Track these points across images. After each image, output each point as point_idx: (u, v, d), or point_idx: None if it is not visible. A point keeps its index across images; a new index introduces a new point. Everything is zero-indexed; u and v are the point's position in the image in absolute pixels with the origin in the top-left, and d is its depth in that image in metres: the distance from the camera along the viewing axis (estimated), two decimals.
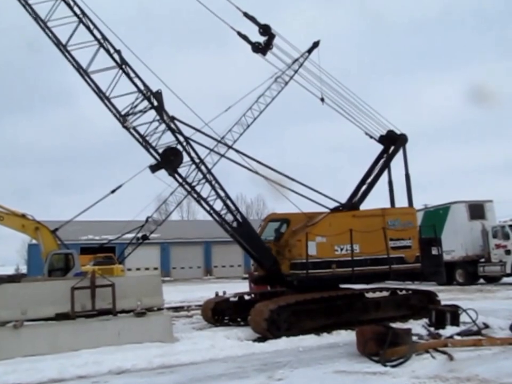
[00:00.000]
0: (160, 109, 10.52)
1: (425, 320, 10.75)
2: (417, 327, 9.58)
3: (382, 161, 12.87)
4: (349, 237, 10.65)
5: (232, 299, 13.26)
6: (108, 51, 10.55)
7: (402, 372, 6.76)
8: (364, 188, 12.61)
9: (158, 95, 10.65)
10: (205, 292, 26.20)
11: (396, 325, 9.28)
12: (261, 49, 12.47)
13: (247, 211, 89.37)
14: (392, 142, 12.85)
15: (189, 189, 10.96)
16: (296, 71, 33.63)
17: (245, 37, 12.41)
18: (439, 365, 7.02)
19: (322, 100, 20.21)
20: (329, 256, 10.60)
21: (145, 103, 10.64)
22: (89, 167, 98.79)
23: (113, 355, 8.34)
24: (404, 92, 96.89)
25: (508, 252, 21.15)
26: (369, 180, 12.67)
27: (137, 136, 10.66)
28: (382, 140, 13.02)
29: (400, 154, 12.74)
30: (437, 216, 23.28)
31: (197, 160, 10.89)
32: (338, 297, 10.80)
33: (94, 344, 8.85)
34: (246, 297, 13.56)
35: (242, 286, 26.94)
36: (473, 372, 6.46)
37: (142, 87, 10.64)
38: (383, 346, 7.40)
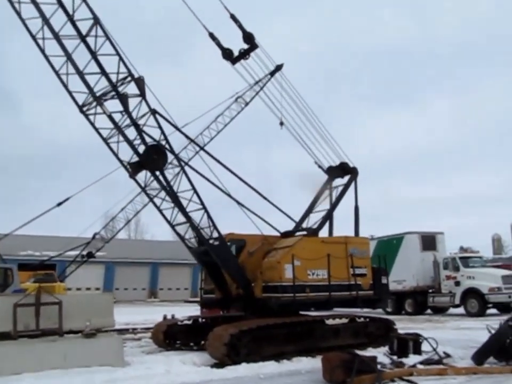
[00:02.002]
0: (126, 100, 9.46)
1: (385, 349, 10.72)
2: (379, 355, 9.41)
3: (327, 191, 13.12)
4: (320, 262, 10.69)
5: (185, 322, 12.71)
6: (68, 14, 9.09)
7: None
8: (320, 216, 12.71)
9: (140, 82, 9.64)
10: (150, 314, 25.22)
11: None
12: (231, 57, 12.06)
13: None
14: (341, 174, 13.11)
15: (153, 195, 10.06)
16: (257, 93, 33.81)
17: (216, 40, 11.96)
18: None
19: (281, 124, 20.34)
20: (303, 280, 10.48)
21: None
22: (38, 178, 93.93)
23: (59, 379, 7.65)
24: (364, 121, 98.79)
25: (457, 283, 21.66)
26: (317, 208, 12.97)
27: (103, 127, 9.48)
28: (329, 170, 13.23)
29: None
30: (390, 246, 23.64)
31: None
32: (300, 323, 10.57)
33: (38, 368, 8.05)
34: (200, 320, 13.04)
35: (190, 310, 26.27)
36: None
37: (118, 70, 9.50)
38: (350, 374, 7.18)
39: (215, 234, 10.39)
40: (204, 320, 13.17)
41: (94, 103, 9.36)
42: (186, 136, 12.03)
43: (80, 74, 9.24)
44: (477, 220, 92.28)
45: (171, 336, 12.10)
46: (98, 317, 10.07)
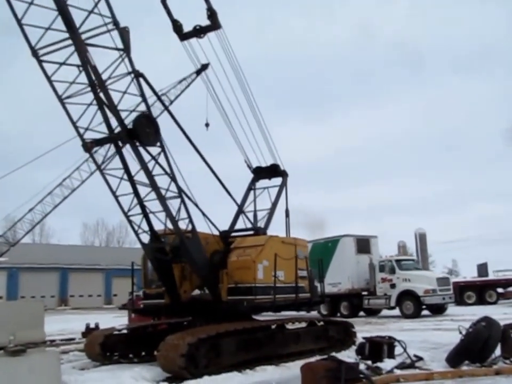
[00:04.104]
0: (90, 65, 7.55)
1: (346, 353, 10.29)
2: (351, 360, 8.75)
3: (251, 191, 12.58)
4: (281, 263, 10.00)
5: (123, 332, 11.25)
6: None
7: None
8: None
9: (126, 33, 7.92)
10: (65, 323, 22.98)
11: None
12: (180, 31, 10.90)
13: (108, 238, 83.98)
14: (268, 175, 12.55)
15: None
16: (182, 91, 32.15)
17: (167, 9, 10.79)
18: None
19: (207, 125, 19.21)
20: (269, 282, 9.74)
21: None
22: None
23: None
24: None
25: (392, 286, 21.90)
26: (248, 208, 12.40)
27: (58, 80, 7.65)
28: (255, 171, 12.67)
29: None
30: (325, 249, 23.48)
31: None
32: (261, 328, 9.68)
33: None
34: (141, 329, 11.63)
35: (109, 317, 24.32)
36: None
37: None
38: None
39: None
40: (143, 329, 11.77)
41: (59, 46, 7.48)
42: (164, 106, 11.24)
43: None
44: (383, 228, 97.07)
45: (109, 348, 10.59)
46: (25, 329, 8.36)
